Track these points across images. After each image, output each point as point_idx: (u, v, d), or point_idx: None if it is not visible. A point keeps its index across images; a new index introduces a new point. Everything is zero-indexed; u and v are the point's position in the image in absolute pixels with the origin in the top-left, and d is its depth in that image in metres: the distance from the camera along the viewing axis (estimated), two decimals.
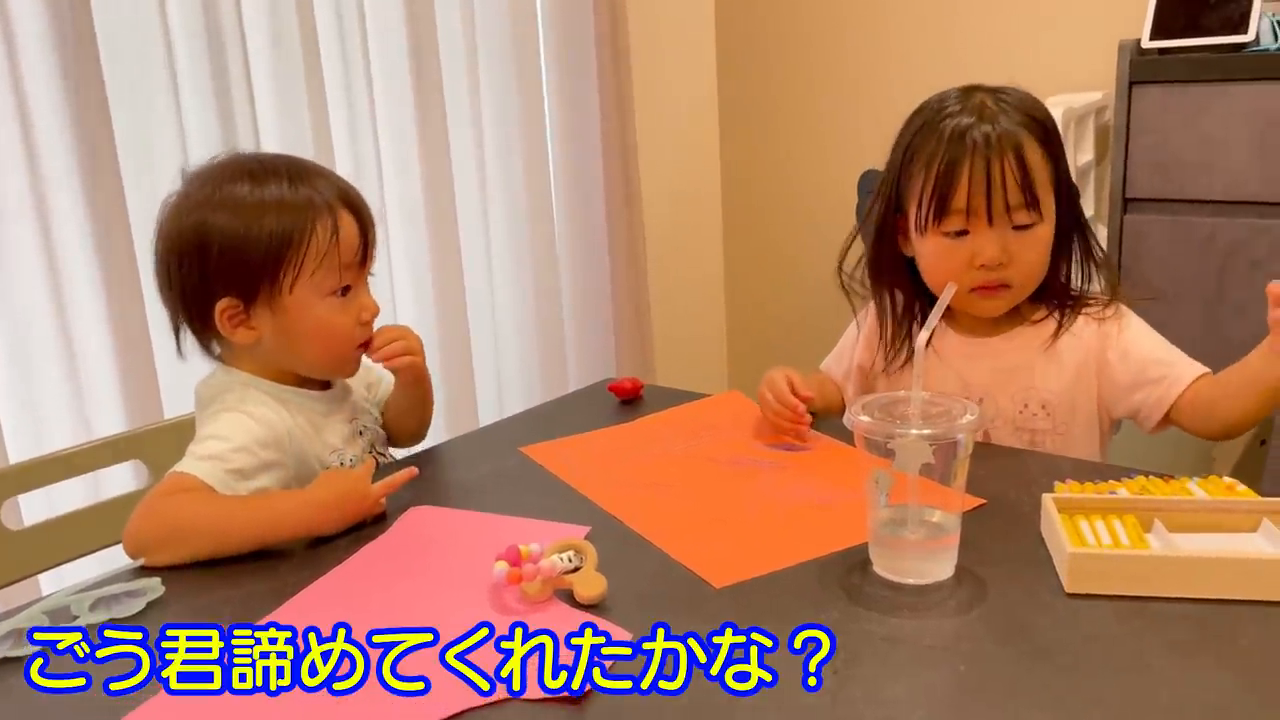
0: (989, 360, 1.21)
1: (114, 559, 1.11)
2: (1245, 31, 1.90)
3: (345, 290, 1.09)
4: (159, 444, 1.24)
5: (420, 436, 1.31)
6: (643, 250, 2.68)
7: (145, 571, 0.94)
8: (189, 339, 1.11)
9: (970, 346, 1.22)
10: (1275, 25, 1.89)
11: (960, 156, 1.11)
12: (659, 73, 2.80)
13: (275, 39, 1.87)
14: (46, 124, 1.56)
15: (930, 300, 1.21)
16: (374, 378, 1.28)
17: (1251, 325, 1.91)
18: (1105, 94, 2.20)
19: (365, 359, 1.16)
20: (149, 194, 1.71)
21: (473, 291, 2.32)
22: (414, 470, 1.07)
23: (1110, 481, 0.96)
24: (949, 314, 1.24)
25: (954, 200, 1.12)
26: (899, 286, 1.25)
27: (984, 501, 0.98)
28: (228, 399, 1.07)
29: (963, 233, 1.13)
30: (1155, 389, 1.14)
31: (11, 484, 1.16)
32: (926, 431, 0.82)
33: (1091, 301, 1.20)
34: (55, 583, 1.34)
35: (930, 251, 1.17)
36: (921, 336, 0.89)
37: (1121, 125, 2.00)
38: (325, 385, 1.16)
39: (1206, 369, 1.14)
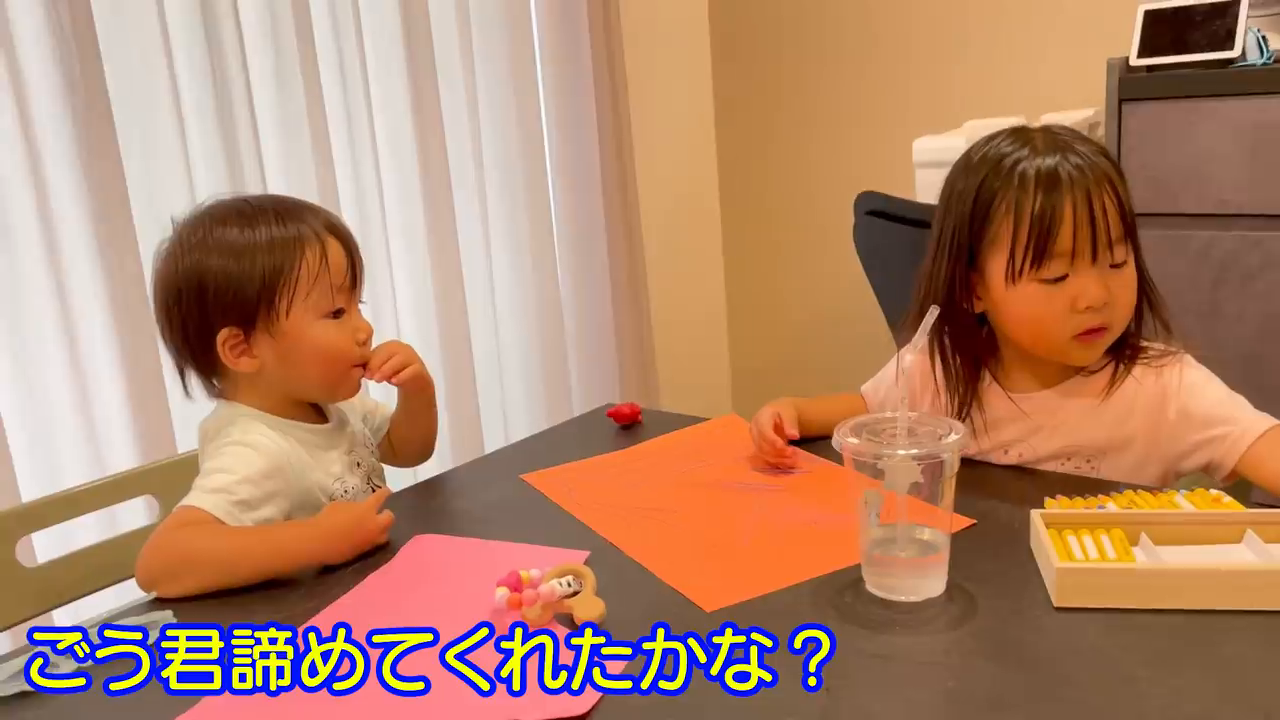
0: (1038, 417, 1.15)
1: (128, 593, 1.13)
2: (1232, 47, 1.92)
3: (339, 313, 1.12)
4: (171, 479, 1.27)
5: (427, 452, 1.33)
6: (643, 273, 2.71)
7: (158, 604, 0.96)
8: (195, 381, 1.14)
9: (1021, 402, 1.16)
10: (1261, 41, 1.92)
11: (1058, 195, 1.03)
12: (655, 99, 2.83)
13: (277, 78, 1.91)
14: (57, 164, 1.60)
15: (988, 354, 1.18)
16: (370, 405, 1.30)
17: (1247, 338, 1.94)
18: (1096, 111, 2.22)
19: (364, 387, 1.19)
20: (158, 232, 1.74)
21: (475, 320, 2.35)
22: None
23: (1099, 496, 0.98)
24: (998, 366, 1.19)
25: (1057, 243, 1.04)
26: (966, 346, 1.16)
27: (973, 522, 0.99)
28: (231, 432, 1.10)
29: (1061, 277, 1.06)
30: (1219, 446, 1.07)
31: (26, 522, 1.18)
32: (914, 451, 0.84)
33: (1148, 349, 1.13)
34: (70, 618, 1.36)
35: (1024, 301, 1.07)
36: (907, 359, 0.91)
37: (1112, 142, 2.02)
38: (323, 418, 1.19)
39: (1276, 421, 1.06)
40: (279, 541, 1.01)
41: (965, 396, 1.17)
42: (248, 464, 1.07)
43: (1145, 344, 1.14)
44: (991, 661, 0.77)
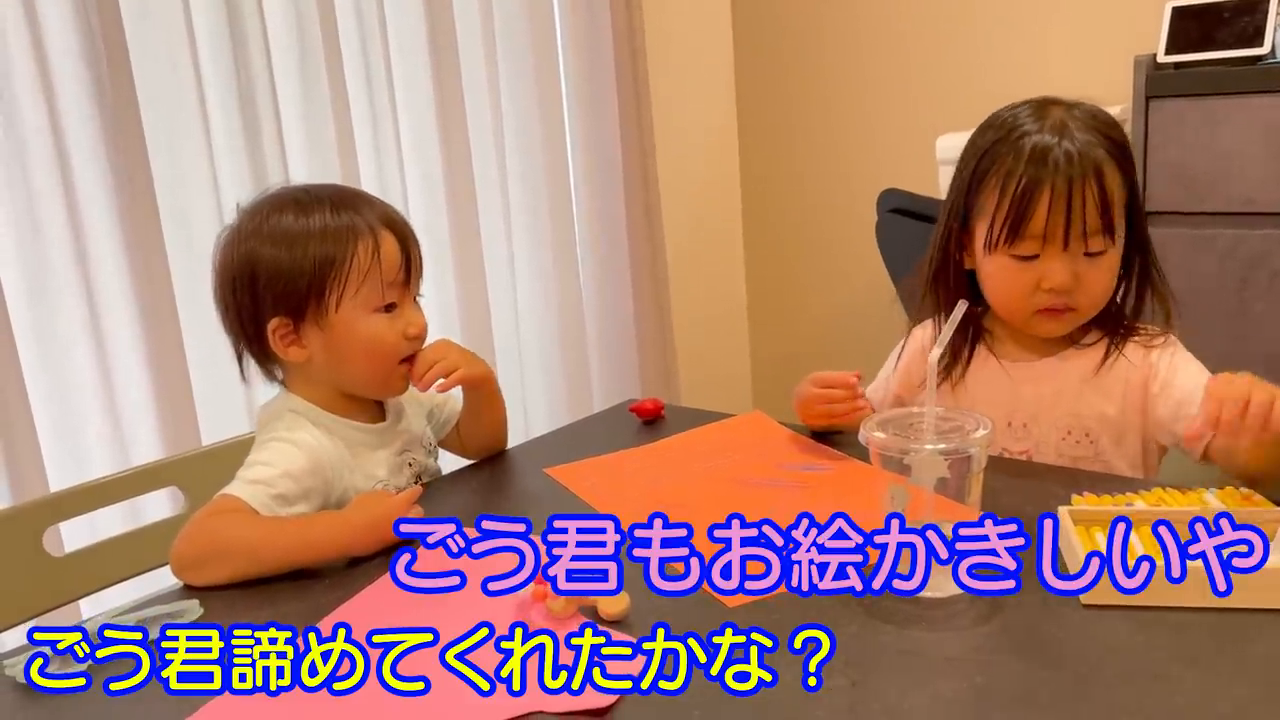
0: (1033, 385, 1.19)
1: (153, 583, 1.14)
2: (1261, 44, 1.90)
3: (390, 308, 1.12)
4: (195, 471, 1.28)
5: (498, 444, 1.32)
6: (665, 270, 2.71)
7: (186, 593, 0.97)
8: (252, 366, 1.16)
9: (1015, 370, 1.20)
10: None
11: (1040, 178, 1.08)
12: (677, 96, 2.83)
13: (302, 74, 1.92)
14: (85, 161, 1.61)
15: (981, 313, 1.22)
16: (439, 399, 1.30)
17: (1274, 337, 1.92)
18: (1123, 107, 2.21)
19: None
20: (184, 225, 1.76)
21: (498, 315, 2.35)
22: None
23: (1127, 494, 0.97)
24: (992, 335, 1.23)
25: (1030, 225, 1.09)
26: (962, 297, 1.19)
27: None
28: (277, 427, 1.11)
29: (1033, 256, 1.11)
30: (1193, 426, 1.10)
31: (54, 512, 1.19)
32: (941, 446, 0.83)
33: (1143, 330, 1.18)
34: (95, 607, 1.37)
35: (996, 271, 1.14)
36: (934, 353, 0.91)
37: (1139, 139, 2.00)
38: (379, 416, 1.19)
39: None
40: (307, 533, 1.02)
41: (963, 366, 1.22)
42: (289, 459, 1.08)
43: (1141, 325, 1.18)
44: (1019, 658, 0.77)
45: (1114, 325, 1.18)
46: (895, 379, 1.32)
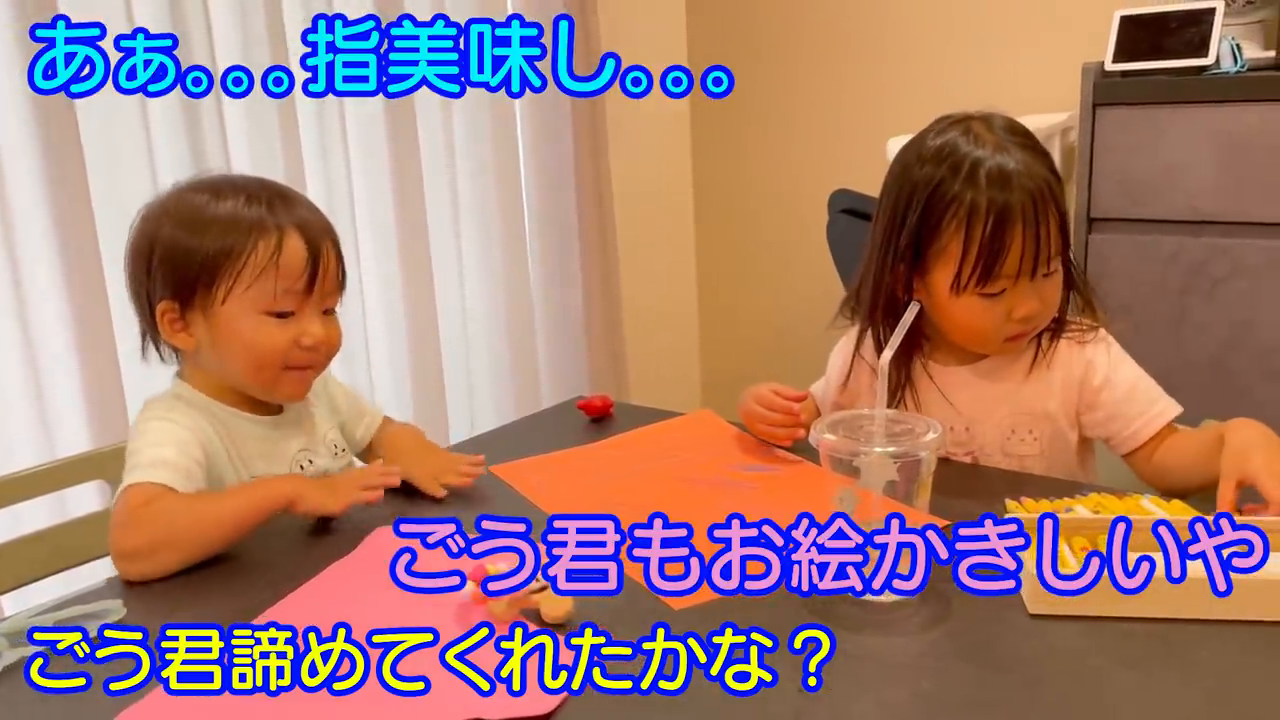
0: (971, 390, 1.19)
1: (78, 579, 1.10)
2: (1206, 55, 1.93)
3: (286, 315, 1.06)
4: (123, 463, 1.23)
5: None
6: (616, 267, 2.70)
7: (108, 591, 0.93)
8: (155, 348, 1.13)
9: (953, 375, 1.20)
10: (1235, 48, 1.93)
11: (1009, 225, 1.06)
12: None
13: (245, 62, 1.87)
14: (16, 148, 1.56)
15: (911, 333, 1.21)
16: (346, 413, 1.24)
17: (1212, 344, 1.95)
18: (1070, 115, 2.23)
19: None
20: (116, 206, 1.70)
21: (444, 309, 2.32)
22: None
23: (1065, 499, 0.97)
24: (925, 343, 1.22)
25: (1004, 267, 1.07)
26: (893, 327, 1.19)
27: (947, 522, 0.98)
28: (155, 408, 1.07)
29: (1002, 291, 1.10)
30: (1131, 424, 1.14)
31: None
32: (891, 449, 0.83)
33: (1072, 325, 1.19)
34: (17, 604, 1.33)
35: (965, 310, 1.12)
36: (885, 356, 0.90)
37: (1085, 146, 2.02)
38: (276, 411, 1.14)
39: (1177, 409, 1.14)
40: (253, 493, 1.01)
41: (901, 378, 1.21)
42: (171, 436, 1.04)
43: (1071, 320, 1.19)
44: (967, 663, 0.76)
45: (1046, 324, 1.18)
46: (833, 391, 1.31)
